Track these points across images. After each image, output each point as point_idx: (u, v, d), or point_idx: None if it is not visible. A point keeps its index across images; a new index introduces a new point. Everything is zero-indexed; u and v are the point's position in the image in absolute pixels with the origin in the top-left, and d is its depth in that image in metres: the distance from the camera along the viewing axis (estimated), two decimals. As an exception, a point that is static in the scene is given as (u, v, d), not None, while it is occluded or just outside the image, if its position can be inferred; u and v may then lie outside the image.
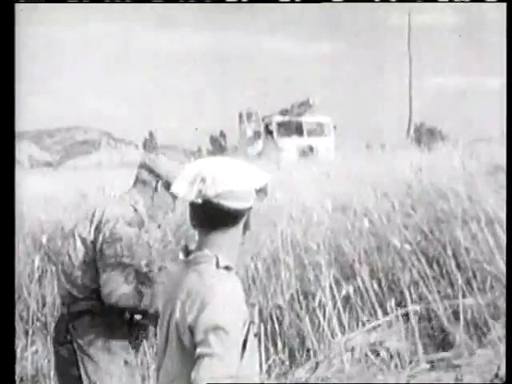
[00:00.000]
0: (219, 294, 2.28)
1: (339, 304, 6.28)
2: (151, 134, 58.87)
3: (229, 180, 2.33)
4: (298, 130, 29.87)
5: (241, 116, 32.40)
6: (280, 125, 30.14)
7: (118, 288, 3.71)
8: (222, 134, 49.49)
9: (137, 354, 4.02)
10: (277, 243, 6.93)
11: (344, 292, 6.24)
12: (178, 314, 2.32)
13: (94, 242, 3.79)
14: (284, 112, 30.61)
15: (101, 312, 3.82)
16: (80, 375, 3.82)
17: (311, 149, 28.09)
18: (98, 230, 3.79)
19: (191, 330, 2.28)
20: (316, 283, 6.49)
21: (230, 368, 2.25)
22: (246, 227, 2.43)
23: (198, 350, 2.25)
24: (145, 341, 4.17)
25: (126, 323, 3.88)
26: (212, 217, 2.36)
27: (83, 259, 3.82)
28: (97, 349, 3.84)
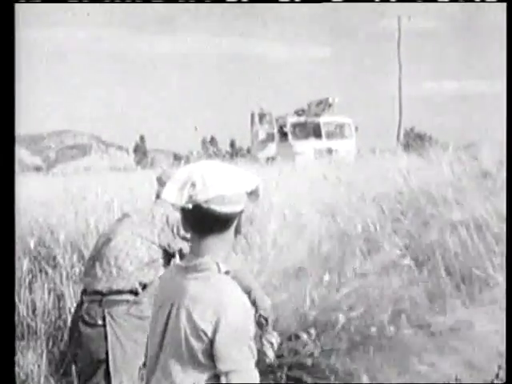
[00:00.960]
0: (233, 305, 2.30)
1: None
2: (142, 138, 58.73)
3: (219, 185, 2.32)
4: (316, 131, 27.74)
5: (253, 117, 30.06)
6: (295, 126, 28.04)
7: None
8: (213, 139, 49.39)
9: None
10: (268, 247, 6.95)
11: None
12: (183, 322, 2.32)
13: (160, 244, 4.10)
14: (300, 112, 28.43)
15: (140, 304, 4.05)
16: (107, 359, 4.00)
17: (330, 152, 25.50)
18: (164, 232, 4.10)
19: (209, 340, 2.29)
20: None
21: (255, 377, 2.31)
22: (237, 231, 2.43)
23: (223, 367, 2.28)
24: None
25: None
26: (203, 222, 2.36)
27: (144, 260, 4.08)
28: (128, 339, 4.02)
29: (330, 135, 27.72)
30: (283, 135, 28.00)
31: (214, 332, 2.27)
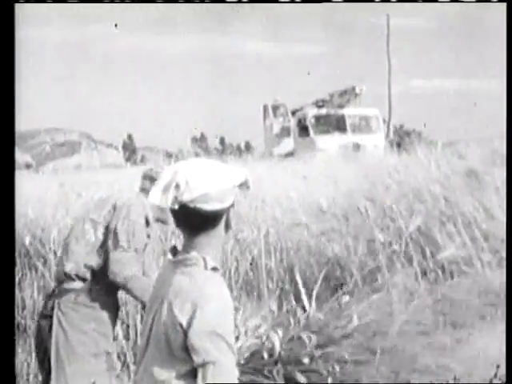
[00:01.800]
0: (212, 298, 2.31)
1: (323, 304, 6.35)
2: (129, 136, 58.60)
3: (203, 183, 2.34)
4: (340, 124, 24.80)
5: (265, 109, 27.37)
6: (317, 119, 24.95)
7: (129, 268, 3.97)
8: (203, 137, 49.29)
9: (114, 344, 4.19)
10: (260, 245, 6.98)
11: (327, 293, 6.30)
12: (165, 314, 2.34)
13: (107, 225, 4.07)
14: (320, 103, 25.56)
15: (88, 293, 4.06)
16: (50, 346, 4.01)
17: (357, 147, 22.48)
18: (110, 213, 4.06)
19: (184, 332, 2.30)
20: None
21: (233, 373, 2.31)
22: (227, 226, 2.44)
23: (198, 359, 2.29)
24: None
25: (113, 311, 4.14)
26: (192, 220, 2.38)
27: (91, 241, 4.08)
28: (74, 328, 4.03)
29: (355, 129, 24.92)
30: (302, 129, 25.09)
31: (189, 324, 2.29)
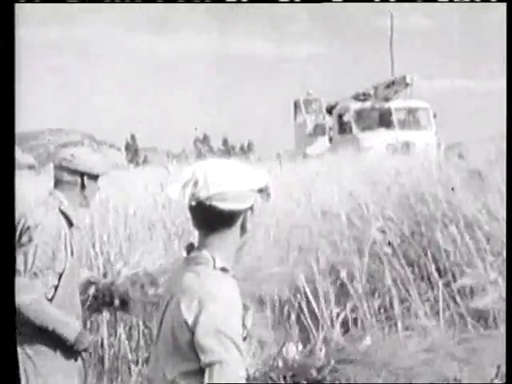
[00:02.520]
0: (217, 297, 2.31)
1: (323, 306, 6.35)
2: (133, 137, 58.70)
3: (221, 182, 2.35)
4: (385, 120, 22.22)
5: (296, 105, 24.95)
6: (359, 114, 22.34)
7: (23, 295, 3.67)
8: (206, 138, 49.34)
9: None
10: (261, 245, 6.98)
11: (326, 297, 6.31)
12: (172, 311, 2.36)
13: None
14: (361, 97, 22.81)
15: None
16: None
17: (407, 146, 19.67)
18: (20, 236, 3.77)
19: (190, 330, 2.30)
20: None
21: (240, 373, 2.30)
22: (243, 229, 2.44)
23: (205, 358, 2.28)
24: None
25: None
26: (207, 218, 2.39)
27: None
28: (37, 353, 3.85)
29: (403, 124, 22.17)
30: (343, 126, 22.61)
31: (195, 323, 2.29)
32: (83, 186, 3.92)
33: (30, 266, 3.70)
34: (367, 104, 22.50)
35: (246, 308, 2.44)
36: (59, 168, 3.96)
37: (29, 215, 3.81)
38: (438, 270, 6.62)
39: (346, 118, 22.59)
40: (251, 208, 2.43)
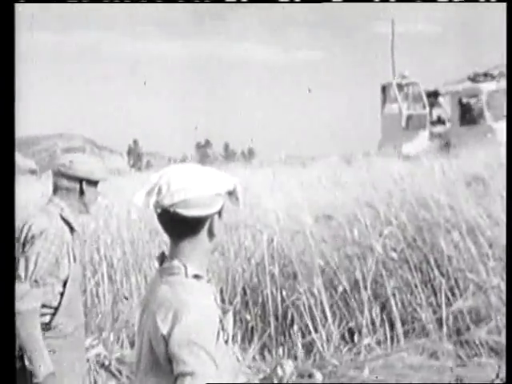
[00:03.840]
0: (190, 307, 2.28)
1: (327, 311, 6.37)
2: (135, 142, 58.73)
3: (185, 188, 2.32)
4: None
5: (385, 89, 19.54)
6: (491, 96, 17.21)
7: (21, 302, 3.61)
8: (208, 143, 49.35)
9: None
10: (262, 251, 6.99)
11: (330, 301, 6.32)
12: (149, 324, 2.33)
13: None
14: (480, 77, 17.85)
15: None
16: None
17: None
18: (24, 245, 3.71)
19: (166, 342, 2.27)
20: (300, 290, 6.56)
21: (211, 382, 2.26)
22: (210, 234, 2.40)
23: (177, 369, 2.25)
24: None
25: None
26: (173, 225, 2.37)
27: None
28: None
29: None
30: (467, 114, 17.87)
31: (169, 334, 2.27)
32: (82, 193, 3.86)
33: (31, 273, 3.64)
34: (502, 84, 16.59)
35: (224, 311, 2.42)
36: (58, 174, 3.88)
37: (32, 222, 3.74)
38: (441, 274, 6.63)
39: (471, 104, 17.84)
40: (219, 212, 2.39)
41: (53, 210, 3.83)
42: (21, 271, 3.63)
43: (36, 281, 3.65)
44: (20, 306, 3.58)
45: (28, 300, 3.61)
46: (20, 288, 3.60)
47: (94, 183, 3.89)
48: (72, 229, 3.86)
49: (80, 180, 3.84)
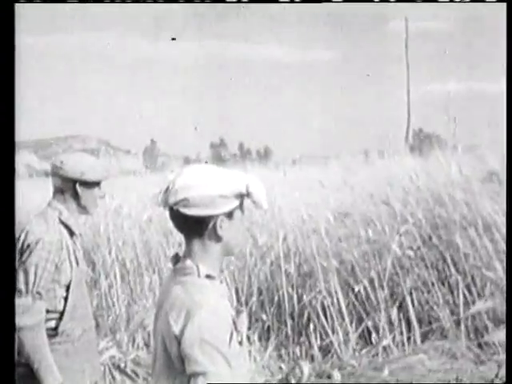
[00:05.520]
0: (202, 307, 2.27)
1: (344, 310, 6.34)
2: (153, 142, 58.80)
3: (186, 187, 2.32)
4: None
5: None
6: None
7: (24, 317, 3.52)
8: (222, 143, 49.35)
9: None
10: (278, 250, 6.98)
11: (346, 300, 6.30)
12: (162, 324, 2.33)
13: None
14: None
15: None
16: None
17: None
18: (21, 255, 3.59)
19: (179, 342, 2.27)
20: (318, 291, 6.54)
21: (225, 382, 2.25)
22: (216, 236, 2.38)
23: (189, 369, 2.25)
24: None
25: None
26: (180, 224, 2.38)
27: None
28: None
29: None
30: None
31: (181, 334, 2.26)
32: (76, 194, 3.70)
33: (32, 286, 3.53)
34: None
35: (238, 312, 2.40)
36: (53, 176, 3.75)
37: (28, 230, 3.61)
38: (457, 272, 6.59)
39: None
40: (228, 214, 2.37)
41: (51, 214, 3.71)
42: (21, 285, 3.52)
43: (39, 293, 3.54)
44: (25, 320, 3.49)
45: (31, 314, 3.51)
46: (22, 302, 3.50)
47: (90, 184, 3.72)
48: (72, 232, 3.75)
49: (73, 181, 3.70)
